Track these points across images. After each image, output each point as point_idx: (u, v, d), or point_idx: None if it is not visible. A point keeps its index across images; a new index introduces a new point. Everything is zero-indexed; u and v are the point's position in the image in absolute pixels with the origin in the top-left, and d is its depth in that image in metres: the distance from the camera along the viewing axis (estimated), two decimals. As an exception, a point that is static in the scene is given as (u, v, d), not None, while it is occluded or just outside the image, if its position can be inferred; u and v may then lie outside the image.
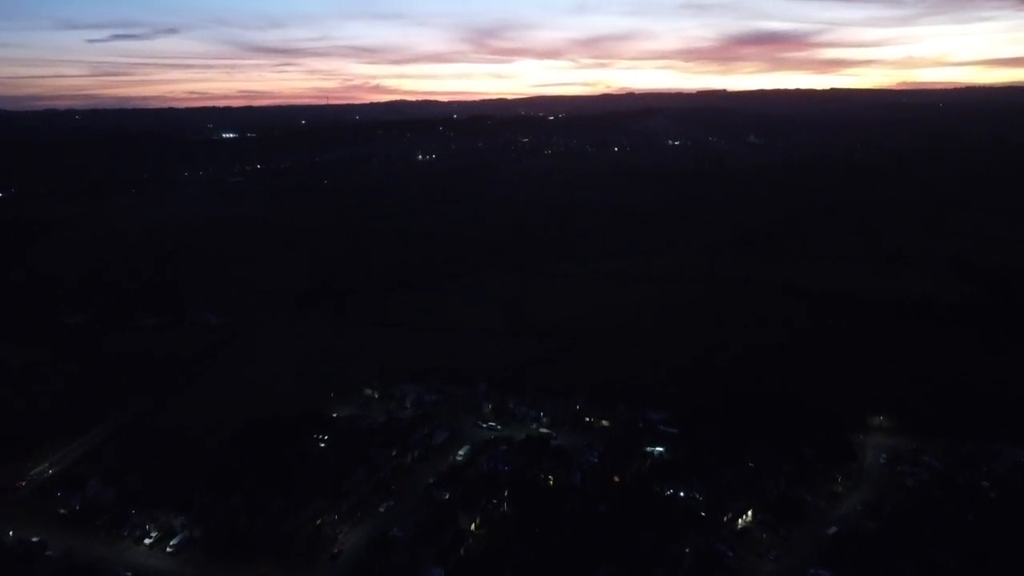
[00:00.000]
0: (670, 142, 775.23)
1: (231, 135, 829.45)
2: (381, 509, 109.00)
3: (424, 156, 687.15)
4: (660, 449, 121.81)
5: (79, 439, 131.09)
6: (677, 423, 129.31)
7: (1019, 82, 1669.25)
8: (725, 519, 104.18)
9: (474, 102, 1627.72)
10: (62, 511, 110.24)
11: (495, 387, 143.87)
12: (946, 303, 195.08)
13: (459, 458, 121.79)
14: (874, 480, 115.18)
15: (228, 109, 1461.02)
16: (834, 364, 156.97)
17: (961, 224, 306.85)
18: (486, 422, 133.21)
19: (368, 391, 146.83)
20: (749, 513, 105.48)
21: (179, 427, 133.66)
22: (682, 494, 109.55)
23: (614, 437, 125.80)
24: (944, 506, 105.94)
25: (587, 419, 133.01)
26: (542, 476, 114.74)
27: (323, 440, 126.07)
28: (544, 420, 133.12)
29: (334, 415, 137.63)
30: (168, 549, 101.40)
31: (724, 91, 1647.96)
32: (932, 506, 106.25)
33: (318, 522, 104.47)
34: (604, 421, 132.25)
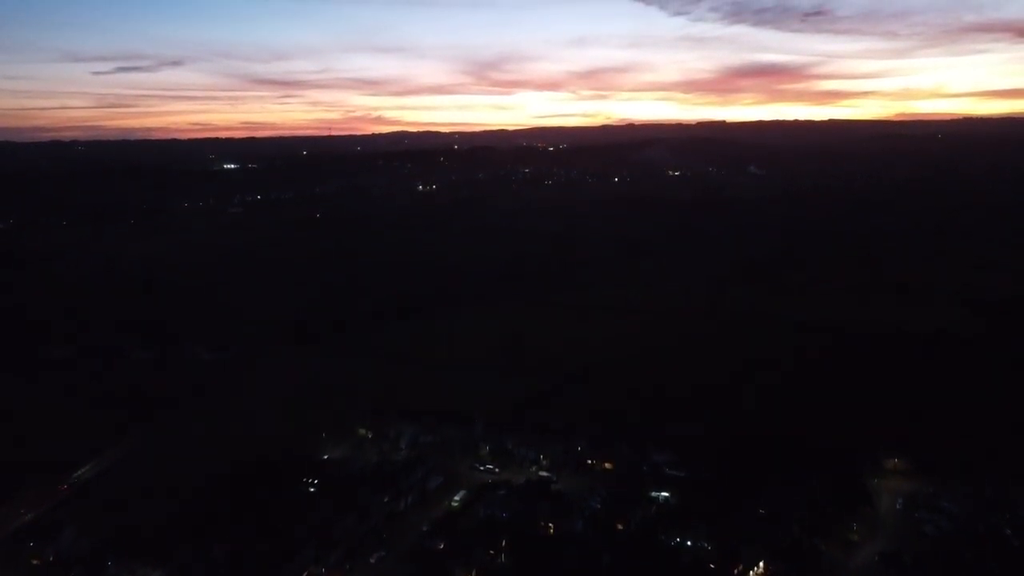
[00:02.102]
0: (670, 172, 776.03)
1: (232, 166, 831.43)
2: (372, 560, 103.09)
3: (424, 186, 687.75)
4: (665, 494, 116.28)
5: (55, 484, 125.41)
6: (683, 465, 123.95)
7: (1016, 113, 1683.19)
8: (736, 571, 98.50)
9: (475, 133, 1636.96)
10: (35, 561, 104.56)
11: (493, 426, 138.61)
12: (958, 336, 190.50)
13: (455, 504, 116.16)
14: (891, 528, 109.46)
15: (230, 140, 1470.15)
16: (844, 401, 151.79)
17: (966, 255, 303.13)
18: (483, 464, 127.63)
19: (362, 431, 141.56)
20: (761, 564, 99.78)
21: (162, 470, 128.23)
22: (689, 543, 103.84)
23: (617, 481, 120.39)
24: (965, 557, 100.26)
25: (589, 461, 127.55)
26: (542, 524, 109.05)
27: (312, 484, 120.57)
28: (544, 462, 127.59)
29: (325, 457, 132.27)
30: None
31: (723, 122, 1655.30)
32: (953, 557, 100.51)
33: (304, 574, 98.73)
34: (607, 463, 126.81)
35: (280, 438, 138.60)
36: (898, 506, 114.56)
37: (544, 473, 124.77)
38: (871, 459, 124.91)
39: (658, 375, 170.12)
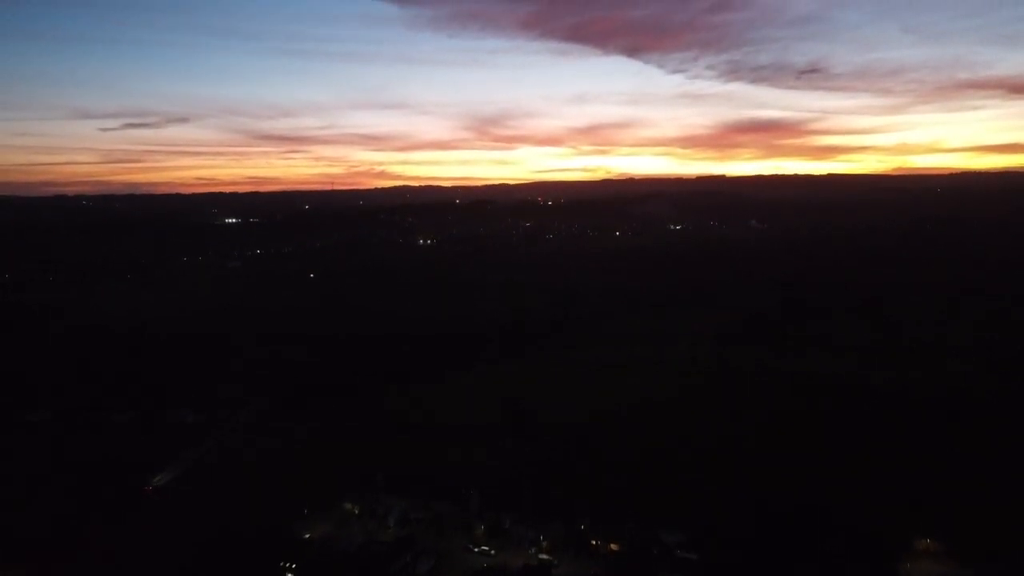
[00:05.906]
0: (672, 226, 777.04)
1: (234, 220, 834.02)
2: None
3: (425, 240, 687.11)
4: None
5: (17, 566, 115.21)
6: (695, 546, 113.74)
7: (1013, 167, 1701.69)
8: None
9: (476, 187, 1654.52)
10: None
11: (489, 501, 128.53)
12: (981, 398, 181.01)
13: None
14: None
15: (234, 195, 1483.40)
16: (867, 473, 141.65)
17: (976, 311, 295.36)
18: (478, 546, 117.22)
19: (348, 505, 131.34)
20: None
21: (123, 549, 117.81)
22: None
23: (624, 565, 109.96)
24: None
25: (593, 541, 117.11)
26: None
27: (291, 568, 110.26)
28: (544, 543, 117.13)
29: (306, 536, 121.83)
30: None
31: (723, 176, 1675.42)
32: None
33: None
34: (612, 544, 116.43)
35: (258, 512, 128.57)
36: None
37: (544, 556, 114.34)
38: (900, 538, 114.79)
39: (665, 441, 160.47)
